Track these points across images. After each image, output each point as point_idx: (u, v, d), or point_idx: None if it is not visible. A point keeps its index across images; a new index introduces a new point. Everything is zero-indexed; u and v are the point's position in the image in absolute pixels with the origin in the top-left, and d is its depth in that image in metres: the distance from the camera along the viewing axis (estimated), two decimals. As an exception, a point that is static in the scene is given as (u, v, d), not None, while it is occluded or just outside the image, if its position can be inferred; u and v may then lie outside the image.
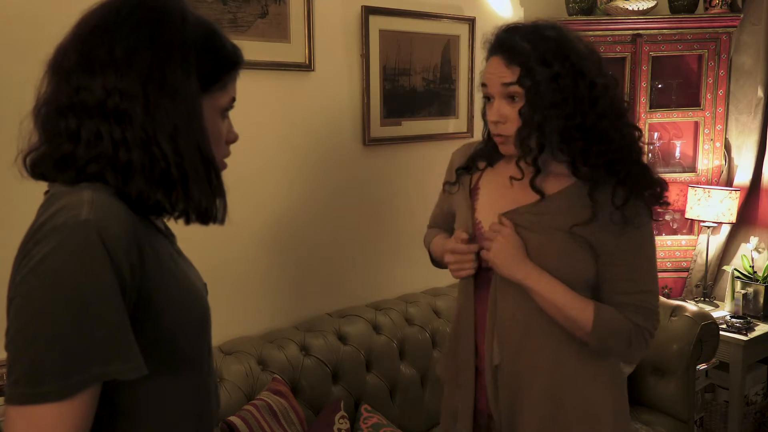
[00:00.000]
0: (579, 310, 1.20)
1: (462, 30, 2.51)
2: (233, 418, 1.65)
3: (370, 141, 2.31)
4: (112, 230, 0.73)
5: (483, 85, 1.23)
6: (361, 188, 2.34)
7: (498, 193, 1.31)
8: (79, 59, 0.78)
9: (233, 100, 0.89)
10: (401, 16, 2.33)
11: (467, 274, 1.30)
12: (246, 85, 2.02)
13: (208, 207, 0.84)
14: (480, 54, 2.59)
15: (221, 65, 0.85)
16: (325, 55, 2.16)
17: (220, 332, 1.94)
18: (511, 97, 1.18)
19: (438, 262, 1.51)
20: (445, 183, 1.45)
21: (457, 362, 1.37)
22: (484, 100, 1.26)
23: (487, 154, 1.35)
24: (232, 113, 0.92)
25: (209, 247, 1.92)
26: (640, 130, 1.24)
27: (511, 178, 1.26)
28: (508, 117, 1.19)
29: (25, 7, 1.54)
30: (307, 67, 2.10)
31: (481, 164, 1.37)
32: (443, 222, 1.53)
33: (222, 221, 0.87)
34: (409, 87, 2.41)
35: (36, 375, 0.69)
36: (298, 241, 2.17)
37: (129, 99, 0.76)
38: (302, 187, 2.16)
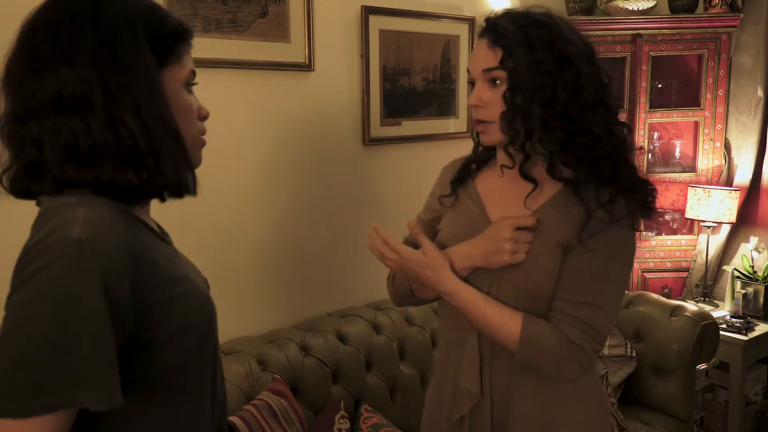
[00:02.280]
0: (504, 322, 1.10)
1: (462, 30, 2.50)
2: (233, 418, 1.65)
3: (370, 141, 2.31)
4: (108, 248, 0.72)
5: (467, 71, 1.18)
6: (361, 188, 2.34)
7: (499, 194, 1.22)
8: (27, 63, 0.77)
9: (193, 73, 0.89)
10: (401, 16, 2.33)
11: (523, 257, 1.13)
12: (246, 85, 2.03)
13: (181, 179, 0.84)
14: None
15: (170, 36, 0.85)
16: (325, 55, 2.16)
17: (220, 332, 1.93)
18: (492, 81, 1.12)
19: (411, 293, 1.30)
20: (441, 197, 1.31)
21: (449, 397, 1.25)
22: (469, 87, 1.18)
23: (477, 160, 1.29)
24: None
25: (209, 247, 1.93)
26: (630, 129, 1.16)
27: (503, 166, 1.19)
28: (487, 101, 1.12)
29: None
30: (307, 67, 2.10)
31: (474, 172, 1.28)
32: None
33: (194, 192, 0.87)
34: (409, 87, 2.41)
35: (1, 389, 0.68)
36: (298, 240, 2.17)
37: (85, 85, 0.76)
38: (302, 186, 2.16)
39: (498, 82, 1.11)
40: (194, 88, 0.91)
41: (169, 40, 0.84)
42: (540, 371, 1.13)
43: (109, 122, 0.76)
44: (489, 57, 1.12)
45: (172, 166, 0.81)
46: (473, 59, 1.16)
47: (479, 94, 1.13)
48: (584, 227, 1.09)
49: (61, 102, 0.75)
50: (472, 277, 1.18)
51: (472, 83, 1.17)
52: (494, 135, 1.14)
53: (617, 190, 1.10)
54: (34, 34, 0.78)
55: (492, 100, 1.12)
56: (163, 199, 0.85)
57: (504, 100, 1.10)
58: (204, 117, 0.92)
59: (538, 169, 1.14)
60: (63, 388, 0.68)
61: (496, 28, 1.12)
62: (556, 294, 1.12)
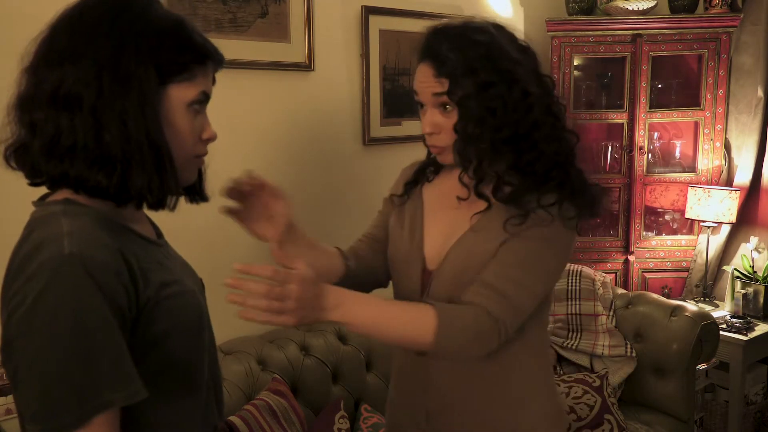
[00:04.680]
0: (415, 318, 1.05)
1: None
2: (233, 418, 1.65)
3: (369, 141, 2.31)
4: (98, 259, 0.75)
5: (414, 92, 1.15)
6: (361, 188, 2.33)
7: (440, 209, 1.21)
8: (44, 53, 0.81)
9: (205, 95, 0.88)
10: (401, 16, 2.33)
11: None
12: (246, 85, 2.03)
13: (153, 192, 0.83)
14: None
15: (187, 55, 0.85)
16: (325, 55, 2.16)
17: (220, 332, 1.92)
18: (443, 106, 1.10)
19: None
20: (391, 195, 1.31)
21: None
22: (417, 107, 1.16)
23: (434, 164, 1.26)
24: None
25: (209, 246, 1.93)
26: (578, 137, 1.16)
27: (459, 198, 1.17)
28: (441, 127, 1.11)
29: (23, 5, 1.55)
30: (307, 67, 2.10)
31: (430, 175, 1.27)
32: (367, 248, 1.32)
33: (172, 209, 0.89)
34: (409, 87, 2.40)
35: (51, 408, 0.72)
36: (298, 241, 2.17)
37: (82, 85, 0.79)
38: (302, 186, 2.16)
39: (449, 107, 1.09)
40: None
41: (186, 58, 0.85)
42: (456, 353, 1.11)
43: (93, 125, 0.79)
44: (436, 85, 1.09)
45: (141, 178, 0.81)
46: (419, 83, 1.13)
47: (432, 120, 1.12)
48: (523, 221, 1.09)
49: (57, 97, 0.79)
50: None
51: (420, 104, 1.14)
52: (450, 157, 1.14)
53: (566, 196, 1.10)
54: (59, 29, 0.82)
55: (445, 126, 1.11)
56: (138, 206, 0.85)
57: (455, 131, 1.09)
58: (208, 139, 0.91)
59: (486, 187, 1.14)
60: (102, 391, 0.73)
61: (438, 56, 1.09)
62: (486, 267, 1.10)
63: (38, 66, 0.81)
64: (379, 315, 1.05)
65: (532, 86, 1.09)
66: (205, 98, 0.89)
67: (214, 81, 0.92)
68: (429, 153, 1.25)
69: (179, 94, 0.85)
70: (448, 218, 1.18)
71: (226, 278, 0.88)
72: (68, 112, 0.78)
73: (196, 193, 0.97)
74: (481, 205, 1.13)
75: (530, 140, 1.09)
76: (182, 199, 0.96)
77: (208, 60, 0.88)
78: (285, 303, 0.92)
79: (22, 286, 0.74)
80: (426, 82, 1.11)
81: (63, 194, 0.84)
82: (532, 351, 1.21)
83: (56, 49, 0.80)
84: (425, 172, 1.29)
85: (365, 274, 1.30)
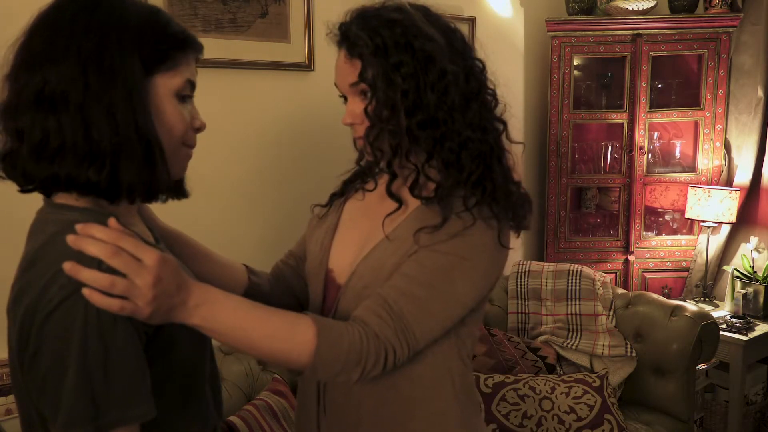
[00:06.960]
0: (292, 335, 0.88)
1: (462, 30, 2.50)
2: (233, 418, 1.65)
3: (370, 141, 2.31)
4: None
5: (336, 84, 1.06)
6: (361, 188, 2.33)
7: (360, 218, 1.10)
8: (23, 58, 0.81)
9: (190, 84, 0.88)
10: (401, 16, 2.33)
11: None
12: (246, 85, 2.03)
13: (144, 184, 0.82)
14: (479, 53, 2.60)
15: (168, 43, 0.85)
16: (325, 55, 2.16)
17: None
18: (363, 94, 1.00)
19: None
20: (313, 205, 1.19)
21: None
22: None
23: (364, 173, 1.16)
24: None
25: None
26: (505, 124, 1.05)
27: (364, 189, 1.09)
28: (362, 117, 1.01)
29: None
30: (307, 67, 2.10)
31: (360, 185, 1.16)
32: (286, 266, 1.24)
33: (171, 194, 0.88)
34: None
35: (72, 420, 0.73)
36: (298, 241, 2.17)
37: (67, 83, 0.78)
38: (302, 187, 2.16)
39: (369, 94, 1.00)
40: (197, 89, 0.91)
41: (166, 46, 0.84)
42: (333, 377, 0.94)
43: (81, 122, 0.78)
44: (350, 71, 1.01)
45: (131, 171, 0.80)
46: (337, 73, 1.05)
47: (352, 109, 1.02)
48: (433, 229, 0.97)
49: (42, 99, 0.78)
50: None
51: (344, 98, 1.06)
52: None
53: (488, 195, 0.99)
54: (36, 32, 0.81)
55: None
56: (131, 201, 0.84)
57: (366, 115, 0.99)
58: (198, 129, 0.91)
59: (402, 186, 1.05)
60: (115, 409, 0.74)
61: (348, 38, 1.01)
62: (387, 280, 0.97)
63: (18, 71, 0.80)
64: (250, 326, 0.86)
65: (451, 67, 0.99)
66: (191, 87, 0.89)
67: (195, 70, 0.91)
68: (359, 159, 1.09)
69: (165, 83, 0.84)
70: (366, 228, 1.07)
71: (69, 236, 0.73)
72: (54, 113, 0.78)
73: (176, 188, 0.95)
74: (401, 217, 1.02)
75: (450, 125, 0.98)
76: (183, 202, 0.96)
77: (188, 47, 0.88)
78: (136, 283, 0.74)
79: (57, 291, 0.73)
80: (341, 68, 1.03)
81: (67, 197, 0.83)
82: (446, 371, 1.06)
83: (35, 51, 0.79)
84: (355, 182, 1.18)
85: (283, 294, 1.21)
